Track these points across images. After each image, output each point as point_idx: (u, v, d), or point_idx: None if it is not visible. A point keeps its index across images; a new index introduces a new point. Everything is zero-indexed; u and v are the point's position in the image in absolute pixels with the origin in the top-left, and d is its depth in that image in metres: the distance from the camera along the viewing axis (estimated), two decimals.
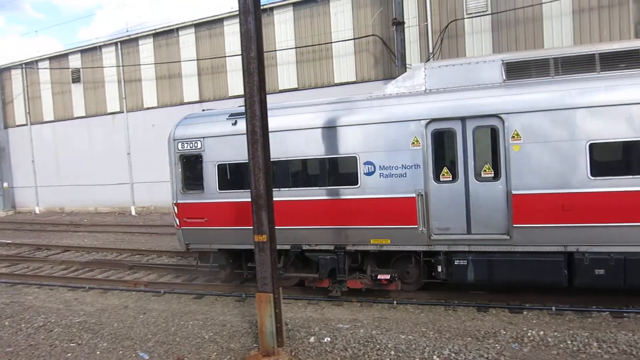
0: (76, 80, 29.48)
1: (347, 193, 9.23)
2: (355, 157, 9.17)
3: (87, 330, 8.98)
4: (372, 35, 20.93)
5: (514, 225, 8.37)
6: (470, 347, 7.48)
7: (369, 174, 9.07)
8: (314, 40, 22.10)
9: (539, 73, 8.61)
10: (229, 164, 10.05)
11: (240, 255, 10.64)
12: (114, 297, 11.64)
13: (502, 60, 8.85)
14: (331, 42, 21.73)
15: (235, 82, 23.90)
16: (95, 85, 28.90)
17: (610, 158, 8.13)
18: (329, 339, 7.86)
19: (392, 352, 7.31)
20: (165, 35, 26.10)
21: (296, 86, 22.64)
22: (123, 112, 28.03)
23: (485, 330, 8.11)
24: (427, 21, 19.98)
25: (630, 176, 7.83)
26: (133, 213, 28.14)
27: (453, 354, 7.21)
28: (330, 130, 9.30)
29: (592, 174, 7.97)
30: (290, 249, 9.80)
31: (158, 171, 23.93)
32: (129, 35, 27.33)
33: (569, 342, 7.51)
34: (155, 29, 26.25)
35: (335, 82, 21.72)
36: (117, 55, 27.77)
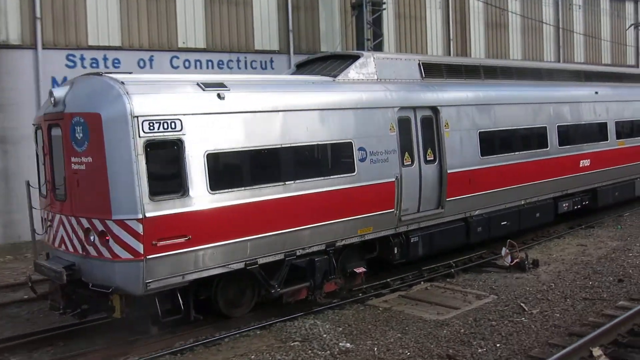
0: None
1: (343, 182, 8.78)
2: (350, 142, 8.90)
3: None
4: None
5: (447, 200, 10.14)
6: None
7: (362, 159, 8.98)
8: None
9: (437, 75, 10.82)
10: (225, 152, 7.62)
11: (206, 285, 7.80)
12: None
13: (419, 61, 10.82)
14: None
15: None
16: None
17: (490, 141, 11.06)
18: None
19: None
20: None
21: None
22: None
23: None
24: None
25: (503, 154, 11.19)
26: None
27: None
28: (315, 113, 8.66)
29: (481, 155, 10.76)
30: (285, 258, 8.31)
31: None
32: None
33: None
34: None
35: None
36: None
